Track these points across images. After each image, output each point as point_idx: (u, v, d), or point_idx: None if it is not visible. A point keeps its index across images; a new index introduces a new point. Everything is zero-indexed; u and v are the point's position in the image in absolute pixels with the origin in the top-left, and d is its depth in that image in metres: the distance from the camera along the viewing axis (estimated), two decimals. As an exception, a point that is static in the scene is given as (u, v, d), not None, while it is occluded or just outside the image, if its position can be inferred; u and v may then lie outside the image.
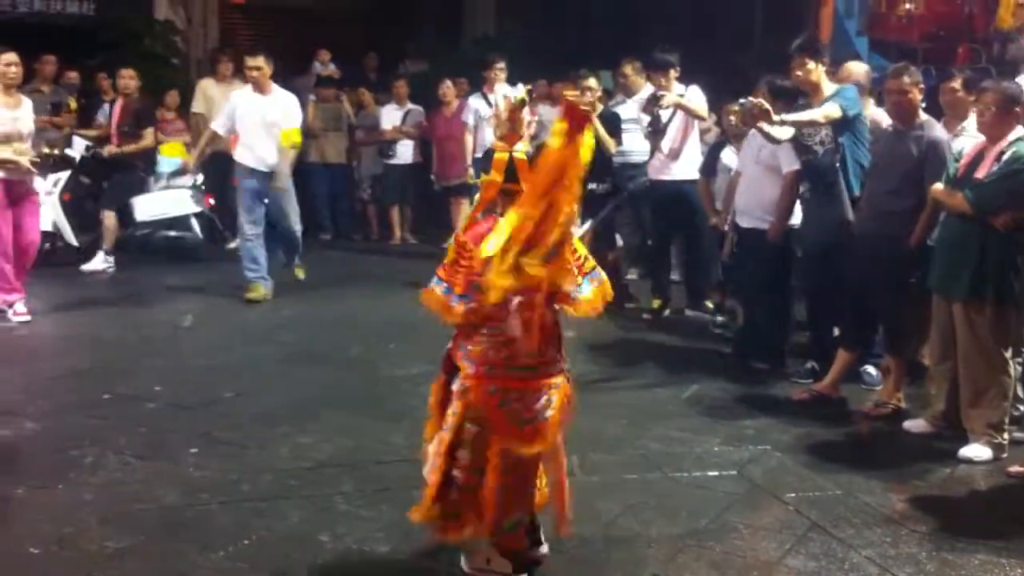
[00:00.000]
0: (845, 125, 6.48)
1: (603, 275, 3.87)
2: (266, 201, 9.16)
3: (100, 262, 10.22)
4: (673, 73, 8.49)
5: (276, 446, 5.37)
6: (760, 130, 6.73)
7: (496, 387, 3.70)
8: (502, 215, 3.63)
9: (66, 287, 9.25)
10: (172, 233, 10.81)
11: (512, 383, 3.70)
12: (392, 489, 4.84)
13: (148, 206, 10.56)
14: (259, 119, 9.01)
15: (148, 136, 10.08)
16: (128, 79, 10.31)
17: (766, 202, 6.99)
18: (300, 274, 9.85)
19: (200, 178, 11.11)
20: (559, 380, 3.80)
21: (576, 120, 3.44)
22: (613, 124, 8.86)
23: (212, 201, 11.30)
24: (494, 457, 3.71)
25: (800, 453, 5.52)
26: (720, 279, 8.53)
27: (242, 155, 9.08)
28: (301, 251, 9.86)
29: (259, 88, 9.08)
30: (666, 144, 8.55)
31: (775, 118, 6.34)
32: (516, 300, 3.61)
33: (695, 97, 8.47)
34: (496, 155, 3.79)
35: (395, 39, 15.74)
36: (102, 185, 10.67)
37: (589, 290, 3.78)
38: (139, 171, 10.56)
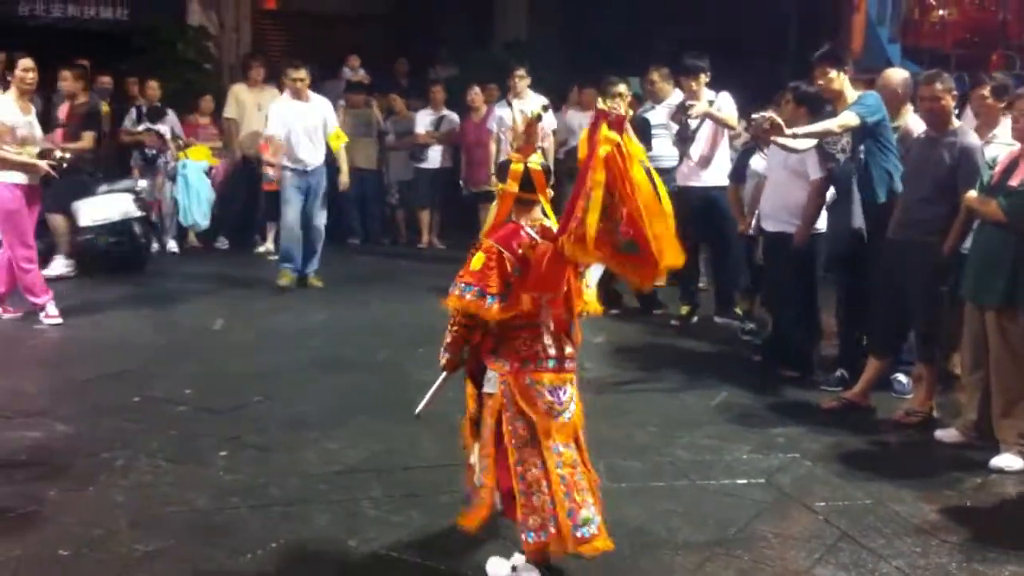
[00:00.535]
0: (866, 132, 6.44)
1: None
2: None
3: (60, 267, 10.11)
4: (703, 78, 8.48)
5: (304, 450, 5.40)
6: (775, 143, 6.74)
7: (531, 379, 3.90)
8: (516, 221, 3.95)
9: (97, 290, 9.32)
10: (113, 239, 10.38)
11: (543, 375, 3.92)
12: (420, 495, 4.85)
13: (91, 210, 10.30)
14: (301, 125, 9.66)
15: (87, 139, 10.04)
16: (68, 80, 10.14)
17: (792, 206, 6.97)
18: (318, 283, 10.00)
19: (143, 183, 11.07)
20: (574, 377, 4.05)
21: (614, 124, 3.63)
22: (643, 130, 8.84)
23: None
24: (546, 451, 3.87)
25: (830, 462, 5.48)
26: (748, 285, 8.51)
27: (285, 159, 9.74)
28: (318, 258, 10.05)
29: (299, 96, 9.72)
30: (695, 151, 8.53)
31: (787, 131, 6.35)
32: (547, 297, 3.89)
33: (725, 104, 8.44)
34: (512, 166, 3.99)
35: (426, 44, 15.77)
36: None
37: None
38: (84, 174, 10.33)
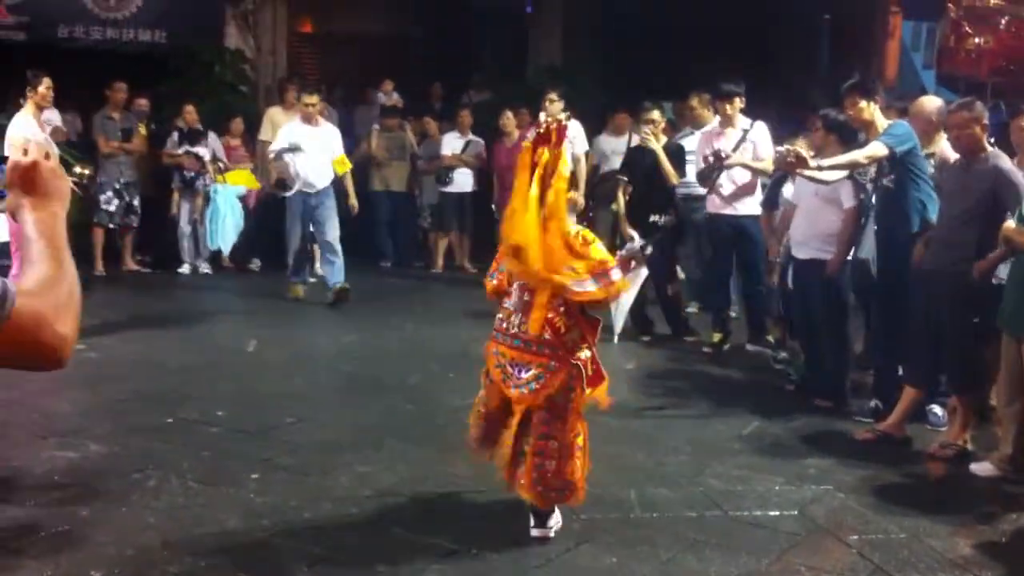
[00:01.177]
0: (896, 162, 6.41)
1: (617, 277, 4.44)
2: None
3: None
4: (738, 103, 8.45)
5: (336, 474, 5.40)
6: (802, 175, 6.74)
7: (496, 350, 4.58)
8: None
9: (131, 310, 9.39)
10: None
11: (507, 350, 4.51)
12: (451, 519, 4.84)
13: None
14: (307, 148, 10.03)
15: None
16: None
17: (822, 234, 6.95)
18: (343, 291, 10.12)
19: None
20: (551, 364, 4.42)
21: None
22: (677, 156, 8.86)
23: None
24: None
25: (864, 494, 5.43)
26: (780, 313, 8.46)
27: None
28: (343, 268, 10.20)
29: (309, 120, 10.19)
30: (727, 181, 8.47)
31: (812, 163, 6.34)
32: (519, 283, 4.52)
33: (761, 136, 8.40)
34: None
35: (460, 68, 15.86)
36: None
37: (593, 287, 4.36)
38: None
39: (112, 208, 11.23)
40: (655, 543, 4.64)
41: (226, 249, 11.90)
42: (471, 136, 12.70)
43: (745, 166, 8.23)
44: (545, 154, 4.35)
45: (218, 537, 4.57)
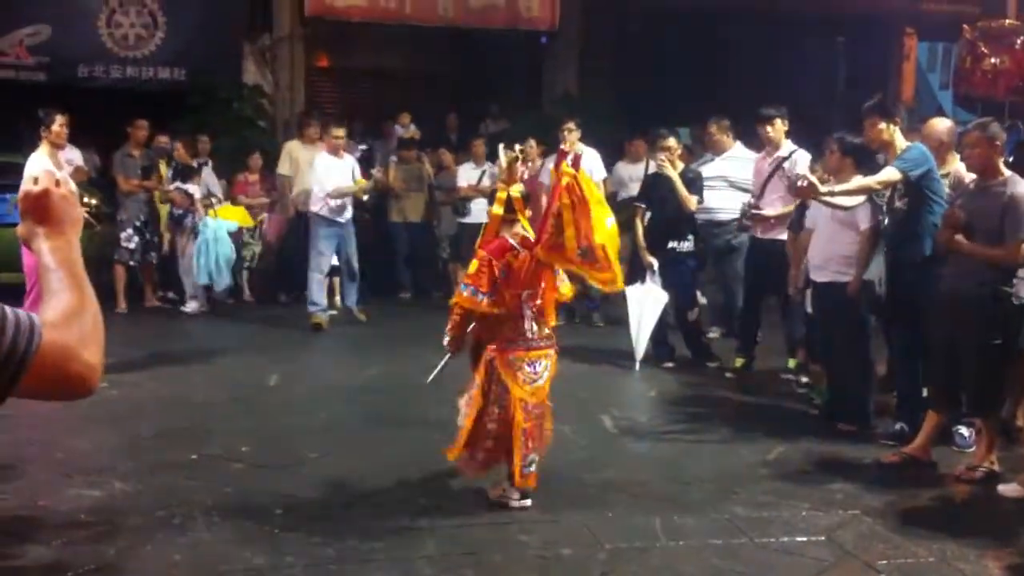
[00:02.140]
0: (911, 185, 6.40)
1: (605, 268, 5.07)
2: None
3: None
4: (780, 124, 8.41)
5: (359, 508, 5.40)
6: (818, 200, 6.75)
7: (513, 356, 5.19)
8: (502, 235, 5.31)
9: (154, 346, 9.42)
10: None
11: (521, 352, 5.20)
12: (474, 552, 4.83)
13: None
14: (336, 180, 10.60)
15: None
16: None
17: (840, 257, 6.94)
18: (362, 316, 10.88)
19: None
20: (551, 352, 5.32)
21: (572, 162, 5.06)
22: (695, 183, 8.86)
23: None
24: (516, 410, 5.15)
25: (891, 518, 5.39)
26: (802, 337, 8.41)
27: (320, 208, 10.58)
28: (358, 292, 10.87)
29: (336, 152, 10.74)
30: (769, 205, 8.44)
31: (823, 189, 6.35)
32: (527, 293, 5.17)
33: (801, 161, 8.36)
34: (498, 193, 5.45)
35: (477, 99, 15.93)
36: None
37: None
38: None
39: (132, 246, 11.28)
40: (681, 572, 4.62)
41: (220, 285, 11.60)
42: (487, 165, 12.74)
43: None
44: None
45: (243, 574, 4.57)
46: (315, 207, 10.72)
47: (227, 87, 13.83)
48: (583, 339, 10.30)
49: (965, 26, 13.39)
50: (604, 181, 11.28)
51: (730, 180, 9.37)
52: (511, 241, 5.24)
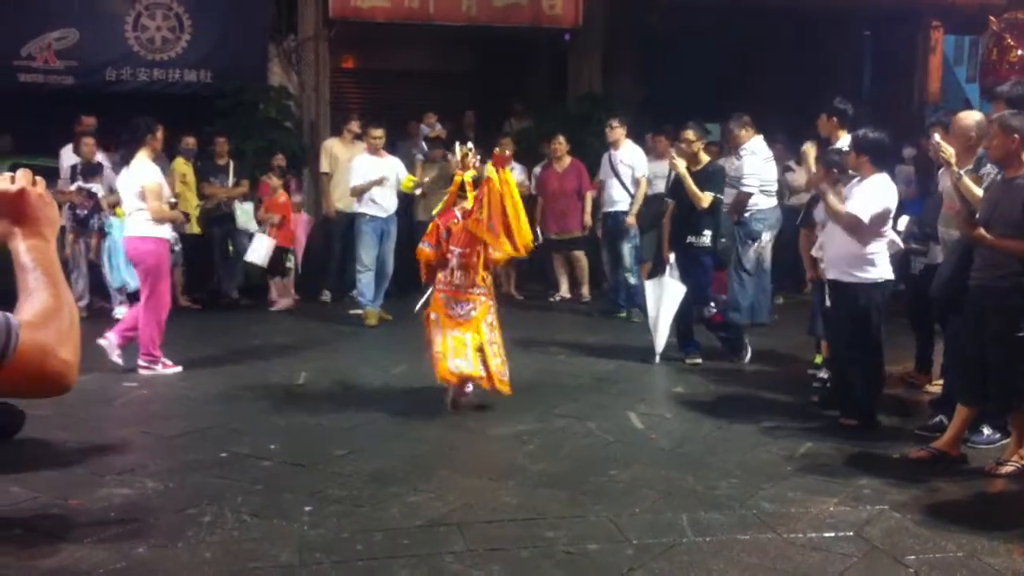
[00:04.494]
0: None
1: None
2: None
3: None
4: (836, 120, 8.27)
5: (388, 505, 5.43)
6: (826, 202, 6.83)
7: (445, 296, 7.25)
8: (451, 208, 7.37)
9: (183, 346, 9.48)
10: None
11: (452, 293, 7.23)
12: (502, 549, 4.84)
13: None
14: (374, 177, 10.90)
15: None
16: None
17: (849, 256, 6.90)
18: (387, 316, 10.99)
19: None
20: (482, 299, 7.23)
21: (497, 162, 7.20)
22: (713, 178, 8.82)
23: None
24: (444, 333, 7.17)
25: (920, 513, 5.36)
26: (821, 333, 8.36)
27: (366, 207, 10.96)
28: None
29: (376, 152, 11.07)
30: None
31: (955, 169, 6.37)
32: (458, 251, 7.17)
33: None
34: (455, 178, 7.42)
35: (501, 98, 15.95)
36: None
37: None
38: None
39: None
40: (709, 568, 4.61)
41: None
42: (513, 164, 12.74)
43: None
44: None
45: (272, 571, 4.60)
46: (359, 207, 11.06)
47: (253, 89, 13.89)
48: (611, 335, 10.32)
49: (992, 18, 13.27)
50: (643, 179, 11.29)
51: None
52: (456, 212, 7.27)
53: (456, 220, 7.22)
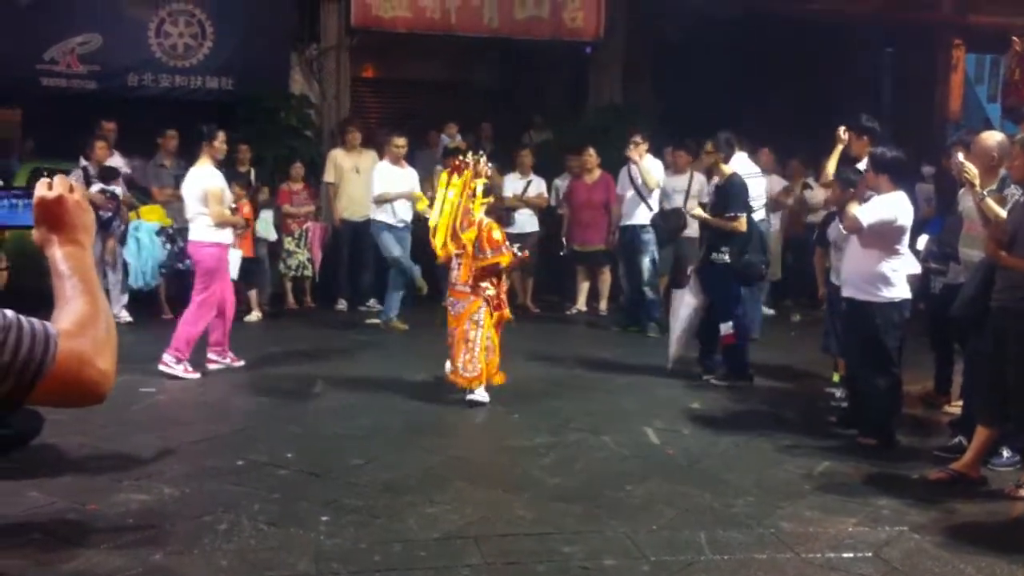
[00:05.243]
0: None
1: (506, 252, 7.80)
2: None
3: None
4: (867, 140, 8.16)
5: (404, 516, 5.42)
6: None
7: (449, 297, 7.91)
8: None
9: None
10: None
11: (454, 294, 7.84)
12: (518, 562, 4.83)
13: None
14: (399, 188, 11.08)
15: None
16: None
17: (866, 273, 6.87)
18: (403, 326, 11.11)
19: None
20: (471, 297, 7.72)
21: (455, 169, 8.24)
22: (735, 192, 8.79)
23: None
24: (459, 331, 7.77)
25: (939, 535, 5.33)
26: (838, 351, 8.32)
27: (383, 214, 11.09)
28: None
29: (398, 161, 11.23)
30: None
31: (979, 189, 6.31)
32: (457, 251, 7.78)
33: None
34: (469, 184, 7.91)
35: (521, 109, 15.96)
36: None
37: (492, 255, 7.76)
38: None
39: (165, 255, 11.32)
40: (726, 586, 4.59)
41: (152, 283, 11.19)
42: (532, 176, 12.75)
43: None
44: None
45: (289, 580, 4.60)
46: (376, 213, 11.17)
47: (274, 97, 13.94)
48: (628, 349, 10.29)
49: (1014, 38, 13.26)
50: (656, 185, 11.29)
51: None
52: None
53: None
